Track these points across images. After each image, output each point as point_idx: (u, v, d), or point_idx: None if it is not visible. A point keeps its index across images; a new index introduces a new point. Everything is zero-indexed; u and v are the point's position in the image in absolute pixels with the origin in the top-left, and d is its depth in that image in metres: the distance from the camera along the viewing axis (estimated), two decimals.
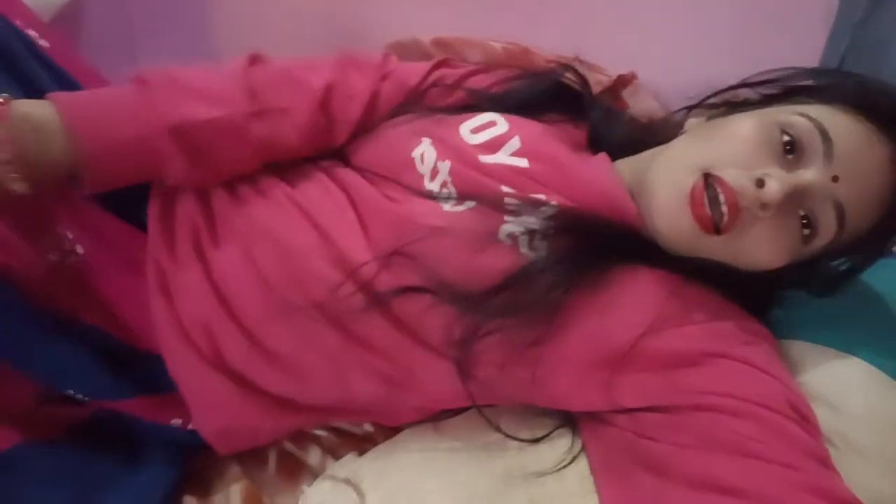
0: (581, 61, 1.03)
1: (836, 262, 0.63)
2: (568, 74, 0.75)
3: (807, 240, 0.56)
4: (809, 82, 0.61)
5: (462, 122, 0.68)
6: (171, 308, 0.62)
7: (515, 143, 0.65)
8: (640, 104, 1.06)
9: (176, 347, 0.61)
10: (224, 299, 0.61)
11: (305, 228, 0.62)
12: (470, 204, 0.61)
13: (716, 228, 0.54)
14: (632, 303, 0.58)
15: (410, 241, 0.58)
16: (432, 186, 0.63)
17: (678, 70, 1.13)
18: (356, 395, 0.63)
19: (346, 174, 0.67)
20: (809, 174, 0.54)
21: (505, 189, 0.62)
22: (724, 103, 0.65)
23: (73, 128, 0.58)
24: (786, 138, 0.55)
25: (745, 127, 0.56)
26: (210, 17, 1.59)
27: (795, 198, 0.54)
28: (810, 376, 0.59)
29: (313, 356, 0.61)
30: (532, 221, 0.59)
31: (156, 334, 0.62)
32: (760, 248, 0.55)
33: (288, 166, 0.69)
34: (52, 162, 0.58)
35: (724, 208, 0.53)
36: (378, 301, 0.58)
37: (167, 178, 0.64)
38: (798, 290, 0.65)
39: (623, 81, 1.04)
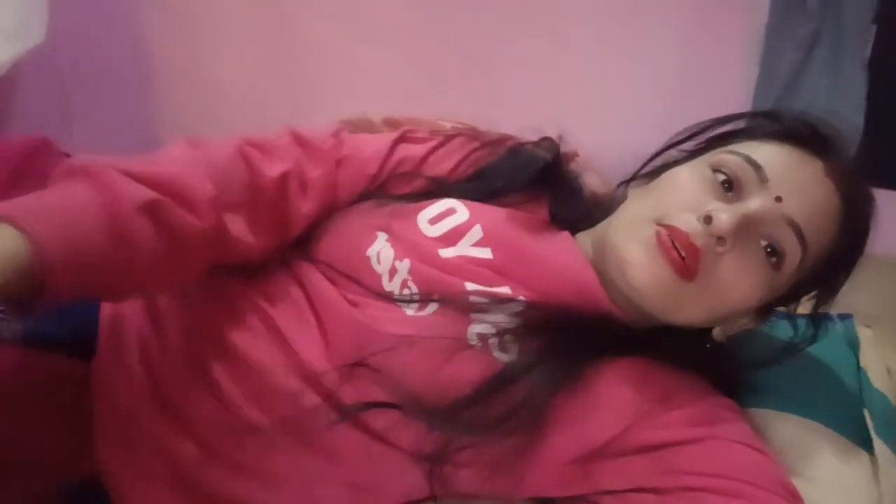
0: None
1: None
2: (542, 147, 0.73)
3: (776, 266, 0.56)
4: (730, 128, 0.64)
5: (419, 210, 0.64)
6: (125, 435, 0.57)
7: (477, 232, 0.62)
8: (586, 181, 1.11)
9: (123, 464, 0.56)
10: (177, 415, 0.57)
11: (266, 340, 0.58)
12: (434, 306, 0.58)
13: (691, 273, 0.54)
14: (610, 399, 0.56)
15: (372, 353, 0.54)
16: (392, 287, 0.60)
17: (615, 145, 1.20)
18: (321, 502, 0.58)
19: (306, 271, 0.62)
20: (753, 202, 0.55)
21: (469, 287, 0.59)
22: (661, 166, 0.67)
23: (36, 243, 0.45)
24: (721, 177, 0.57)
25: (681, 175, 0.59)
26: (151, 97, 1.60)
27: (749, 228, 0.54)
28: (783, 447, 0.59)
29: (276, 468, 0.56)
30: (500, 319, 0.57)
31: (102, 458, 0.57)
32: (735, 285, 0.55)
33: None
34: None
35: (683, 252, 0.54)
36: (344, 416, 0.54)
37: (135, 273, 0.52)
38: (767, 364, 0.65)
39: (566, 159, 1.09)
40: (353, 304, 0.59)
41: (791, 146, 0.58)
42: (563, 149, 0.85)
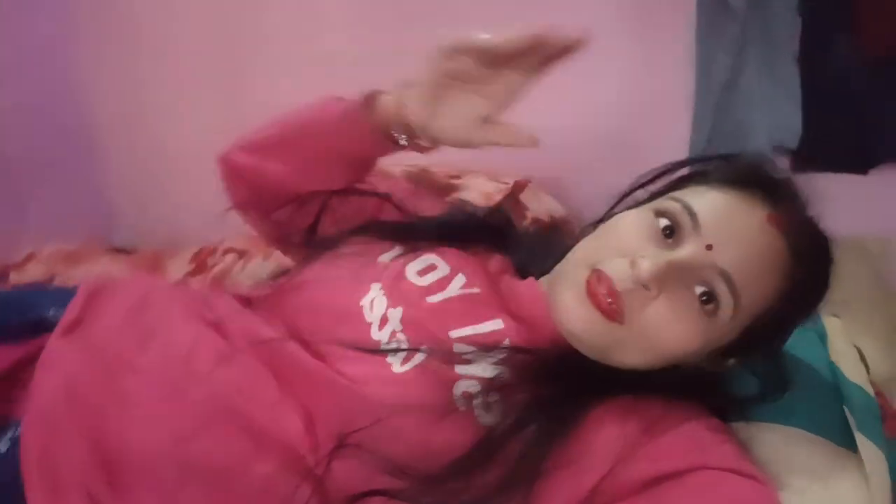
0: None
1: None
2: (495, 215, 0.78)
3: (712, 313, 0.55)
4: (686, 171, 0.65)
5: (407, 263, 0.67)
6: None
7: (460, 278, 0.65)
8: (541, 205, 1.12)
9: None
10: None
11: (234, 434, 0.55)
12: (420, 357, 0.58)
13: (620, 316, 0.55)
14: (597, 441, 0.56)
15: (358, 430, 0.53)
16: (380, 336, 0.60)
17: (561, 164, 1.21)
18: None
19: (285, 347, 0.60)
20: (683, 250, 0.55)
21: (454, 334, 0.60)
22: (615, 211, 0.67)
23: None
24: (664, 223, 0.57)
25: (625, 220, 0.59)
26: (102, 166, 1.58)
27: (681, 275, 0.54)
28: (769, 461, 0.58)
29: None
30: (485, 370, 0.57)
31: None
32: (665, 329, 0.55)
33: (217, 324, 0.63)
34: None
35: (608, 298, 0.54)
36: None
37: None
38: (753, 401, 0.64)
39: (519, 187, 1.10)
40: (341, 373, 0.58)
41: (736, 192, 0.58)
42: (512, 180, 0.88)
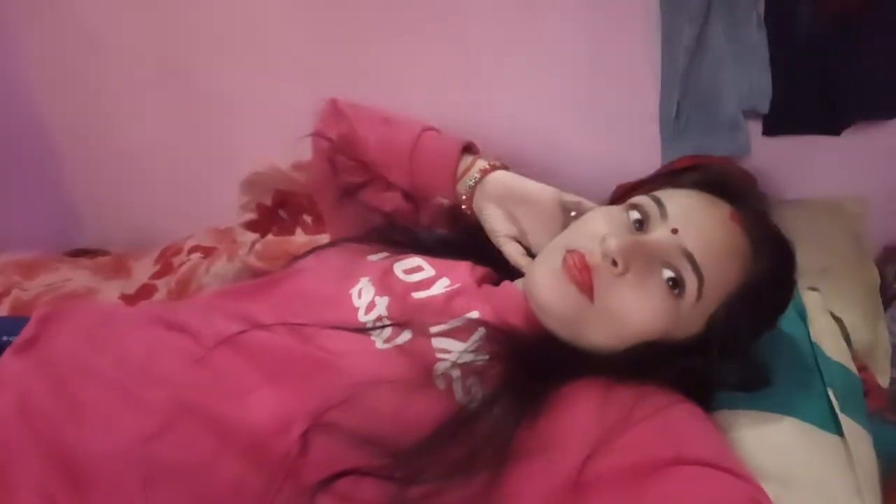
0: None
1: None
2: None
3: (677, 296, 0.58)
4: (659, 180, 0.70)
5: (395, 262, 0.71)
6: None
7: (444, 281, 0.68)
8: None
9: None
10: None
11: (198, 431, 0.54)
12: (406, 336, 0.60)
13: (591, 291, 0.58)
14: (571, 425, 0.56)
15: (335, 404, 0.54)
16: (366, 319, 0.63)
17: (533, 137, 1.19)
18: None
19: (257, 336, 0.61)
20: (653, 232, 0.60)
21: (434, 329, 0.61)
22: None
23: None
24: (635, 216, 0.61)
25: (599, 212, 0.64)
26: (62, 177, 1.53)
27: (648, 257, 0.58)
28: (754, 450, 0.58)
29: None
30: (463, 352, 0.59)
31: None
32: (632, 308, 0.58)
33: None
34: None
35: (580, 272, 0.58)
36: (314, 491, 0.52)
37: None
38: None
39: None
40: (320, 339, 0.60)
41: (704, 194, 0.63)
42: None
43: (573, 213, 0.70)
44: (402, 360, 0.58)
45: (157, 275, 1.27)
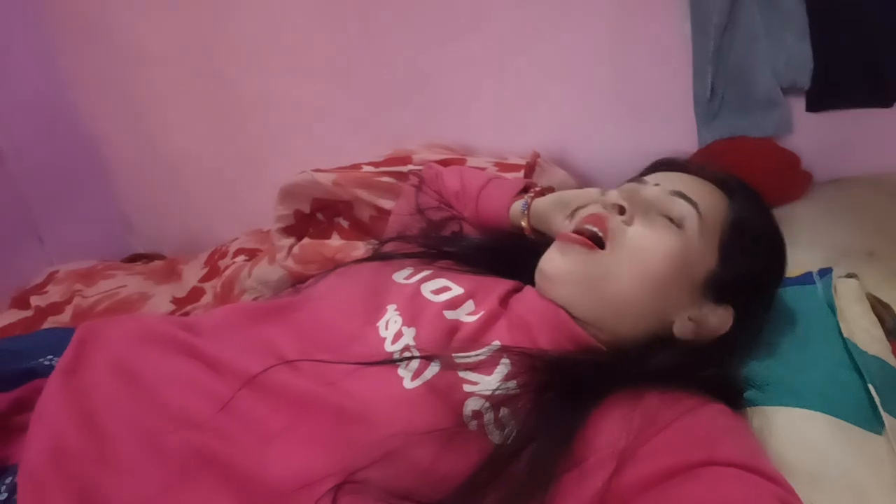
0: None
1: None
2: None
3: (679, 226, 0.62)
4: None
5: (422, 283, 0.69)
6: None
7: (470, 305, 0.67)
8: (551, 178, 1.08)
9: None
10: None
11: (215, 486, 0.53)
12: (432, 372, 0.58)
13: (597, 243, 0.62)
14: (600, 438, 0.55)
15: (367, 465, 0.51)
16: (393, 349, 0.61)
17: (568, 126, 1.17)
18: None
19: (282, 378, 0.59)
20: (640, 192, 0.65)
21: (462, 361, 0.60)
22: None
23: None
24: (613, 193, 0.66)
25: (587, 190, 0.71)
26: (112, 185, 1.60)
27: (645, 206, 0.63)
28: (785, 447, 0.56)
29: None
30: (492, 384, 0.57)
31: None
32: (645, 242, 0.62)
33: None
34: None
35: (594, 227, 0.63)
36: None
37: None
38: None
39: (530, 168, 1.07)
40: (344, 376, 0.58)
41: (700, 178, 0.67)
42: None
43: None
44: (432, 403, 0.56)
45: (205, 278, 1.32)
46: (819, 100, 0.97)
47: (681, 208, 0.62)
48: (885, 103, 0.95)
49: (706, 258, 0.62)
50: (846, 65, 0.94)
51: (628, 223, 0.63)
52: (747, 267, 0.63)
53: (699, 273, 0.62)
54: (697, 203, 0.62)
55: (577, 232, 0.64)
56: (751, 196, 0.67)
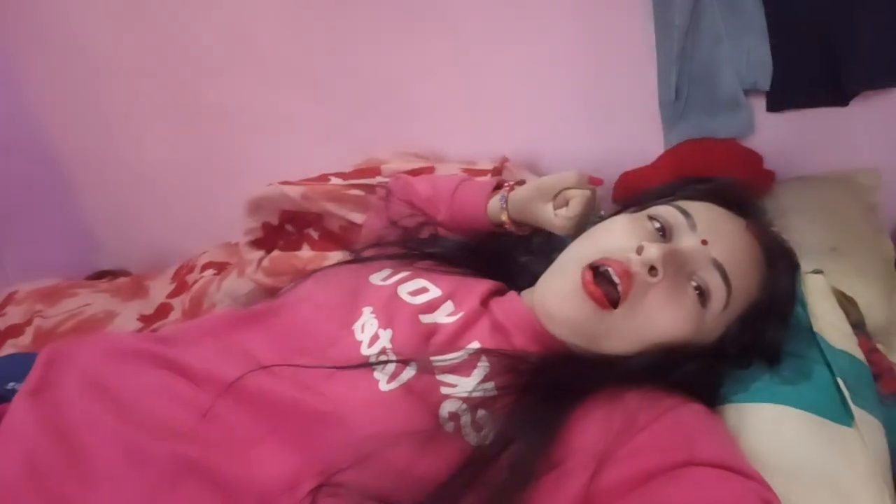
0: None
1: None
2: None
3: (703, 303, 0.59)
4: (668, 190, 0.70)
5: (399, 285, 0.69)
6: None
7: (448, 305, 0.67)
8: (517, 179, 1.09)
9: None
10: None
11: (202, 492, 0.53)
12: (408, 374, 0.58)
13: (612, 303, 0.58)
14: (578, 439, 0.55)
15: (344, 468, 0.51)
16: (370, 352, 0.61)
17: (536, 129, 1.17)
18: None
19: (260, 384, 0.58)
20: (682, 241, 0.60)
21: (439, 363, 0.60)
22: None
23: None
24: (656, 224, 0.62)
25: (619, 221, 0.64)
26: (76, 199, 1.56)
27: (679, 266, 0.59)
28: (761, 444, 0.57)
29: None
30: (469, 386, 0.57)
31: None
32: (661, 314, 0.58)
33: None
34: None
35: (617, 279, 0.58)
36: None
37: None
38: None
39: (497, 172, 1.07)
40: (321, 380, 0.57)
41: (718, 205, 0.64)
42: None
43: (601, 213, 0.71)
44: (408, 404, 0.56)
45: (173, 293, 1.29)
46: (779, 100, 1.00)
47: (715, 285, 0.59)
48: (842, 102, 0.98)
49: (712, 333, 0.61)
50: (804, 66, 0.96)
51: (653, 285, 0.58)
52: (758, 334, 0.62)
53: (698, 341, 0.61)
54: (733, 287, 0.59)
55: (595, 269, 0.59)
56: (790, 269, 0.65)
